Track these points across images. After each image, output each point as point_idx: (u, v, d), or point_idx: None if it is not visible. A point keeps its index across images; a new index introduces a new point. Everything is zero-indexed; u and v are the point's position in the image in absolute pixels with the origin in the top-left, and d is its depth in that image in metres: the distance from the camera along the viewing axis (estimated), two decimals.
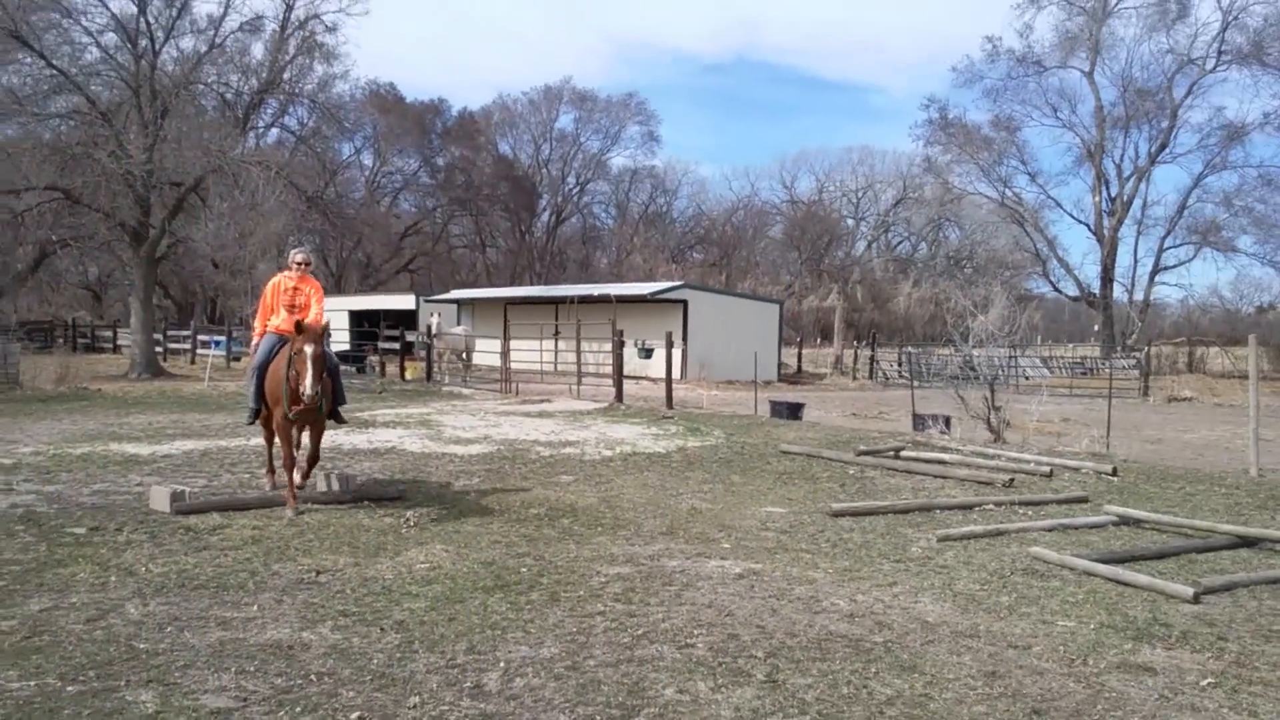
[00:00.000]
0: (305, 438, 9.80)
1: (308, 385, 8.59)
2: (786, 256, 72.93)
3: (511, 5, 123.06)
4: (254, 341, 10.06)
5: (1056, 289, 57.48)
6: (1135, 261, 54.05)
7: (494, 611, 6.21)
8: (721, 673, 5.20)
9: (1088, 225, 54.01)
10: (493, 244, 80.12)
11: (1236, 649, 5.85)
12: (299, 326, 8.83)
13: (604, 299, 34.67)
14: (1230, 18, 47.46)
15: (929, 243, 69.43)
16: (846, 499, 10.77)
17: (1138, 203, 52.67)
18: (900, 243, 74.16)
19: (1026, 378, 39.06)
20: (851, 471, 12.85)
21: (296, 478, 9.45)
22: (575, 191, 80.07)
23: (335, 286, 59.24)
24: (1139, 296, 54.18)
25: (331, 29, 37.07)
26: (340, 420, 10.03)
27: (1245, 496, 11.61)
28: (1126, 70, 51.19)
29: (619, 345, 23.87)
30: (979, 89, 54.17)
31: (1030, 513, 10.24)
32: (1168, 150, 51.35)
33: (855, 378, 43.05)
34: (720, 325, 36.32)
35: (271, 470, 10.51)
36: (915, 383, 24.94)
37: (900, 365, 44.18)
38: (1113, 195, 52.72)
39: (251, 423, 9.97)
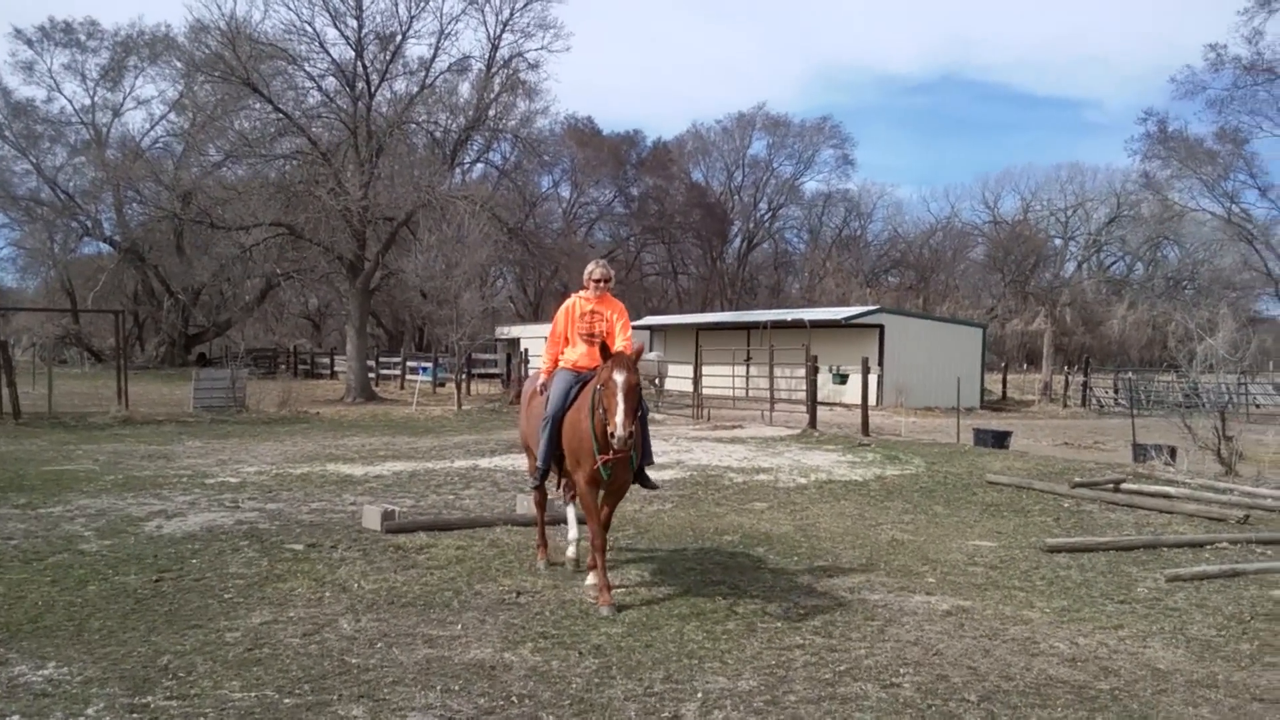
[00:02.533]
0: (605, 508, 7.37)
1: (619, 425, 6.40)
2: (989, 279, 70.20)
3: (711, 32, 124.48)
4: (539, 380, 7.84)
5: None
6: None
7: (690, 640, 6.11)
8: (931, 715, 4.92)
9: None
10: (684, 271, 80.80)
11: None
12: (605, 352, 6.84)
13: (797, 324, 34.25)
14: None
15: (1146, 262, 65.30)
16: (1062, 534, 10.13)
17: None
18: (1114, 263, 70.16)
19: (1258, 406, 36.10)
20: (1066, 505, 12.09)
21: (570, 551, 8.03)
22: (767, 217, 79.85)
23: (533, 315, 61.09)
24: None
25: (534, 66, 38.34)
26: (649, 485, 7.56)
27: None
28: None
29: (813, 370, 23.47)
30: (1201, 100, 50.81)
31: (1270, 552, 9.34)
32: None
33: (1066, 405, 40.77)
34: (918, 350, 35.23)
35: (544, 544, 8.27)
36: (1135, 410, 23.37)
37: (1116, 392, 41.59)
38: None
39: (539, 486, 7.88)
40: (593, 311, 7.65)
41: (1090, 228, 68.07)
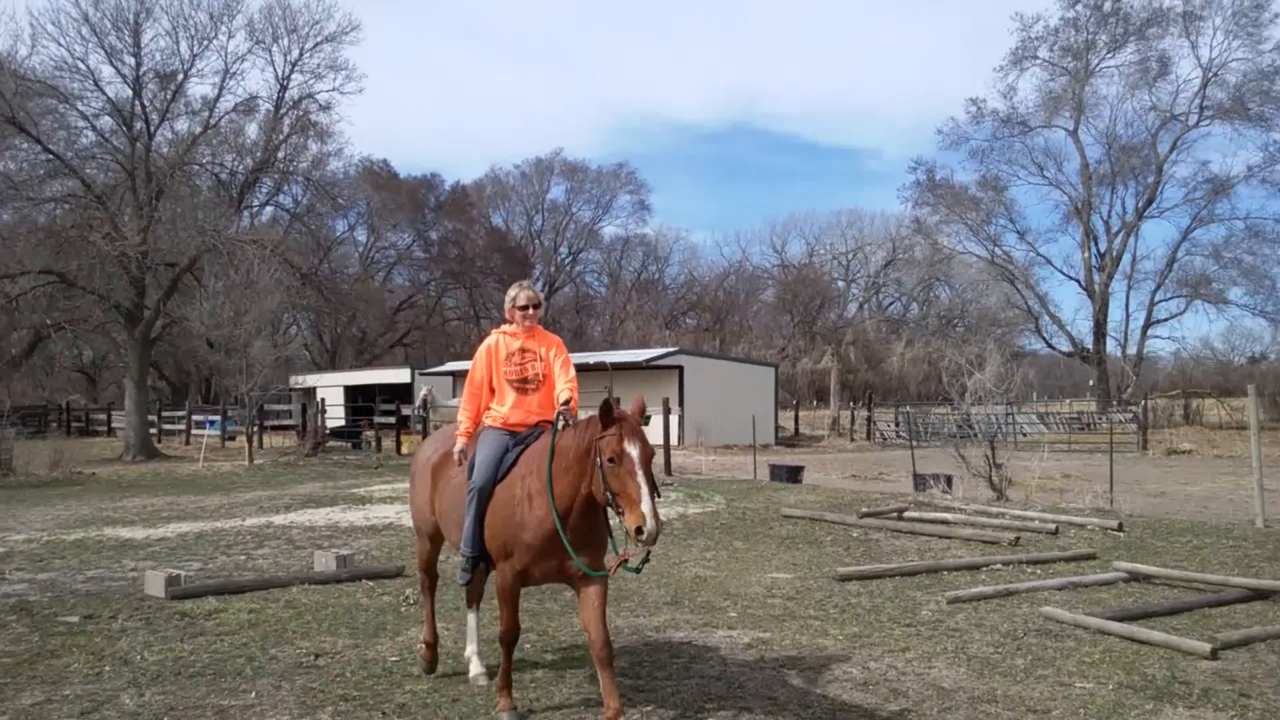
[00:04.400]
0: (587, 616, 5.30)
1: (647, 515, 4.71)
2: (779, 320, 73.06)
3: (507, 77, 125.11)
4: (455, 445, 5.99)
5: (1050, 345, 57.60)
6: (1127, 316, 54.27)
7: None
8: None
9: (1078, 281, 54.34)
10: (487, 315, 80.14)
11: (1261, 706, 5.71)
12: (607, 411, 5.01)
13: (599, 367, 34.64)
14: (1210, 74, 48.34)
15: (920, 303, 69.71)
16: (852, 562, 10.62)
17: (1127, 258, 53.07)
18: (892, 303, 74.43)
19: (1025, 434, 38.96)
20: (855, 534, 12.71)
21: (475, 669, 6.40)
22: (568, 261, 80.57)
23: (330, 363, 59.19)
24: (1132, 350, 54.32)
25: (325, 108, 37.54)
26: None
27: (1254, 548, 11.48)
28: (1111, 128, 51.94)
29: None
30: (965, 150, 54.82)
31: (1039, 571, 10.11)
32: (1154, 205, 51.91)
33: (853, 439, 42.89)
34: (716, 390, 36.26)
35: (432, 644, 6.55)
36: (914, 442, 24.82)
37: (897, 425, 44.09)
38: (1102, 251, 53.13)
39: (468, 582, 5.93)
40: (522, 350, 5.97)
41: (869, 270, 72.04)
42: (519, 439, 5.77)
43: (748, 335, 69.78)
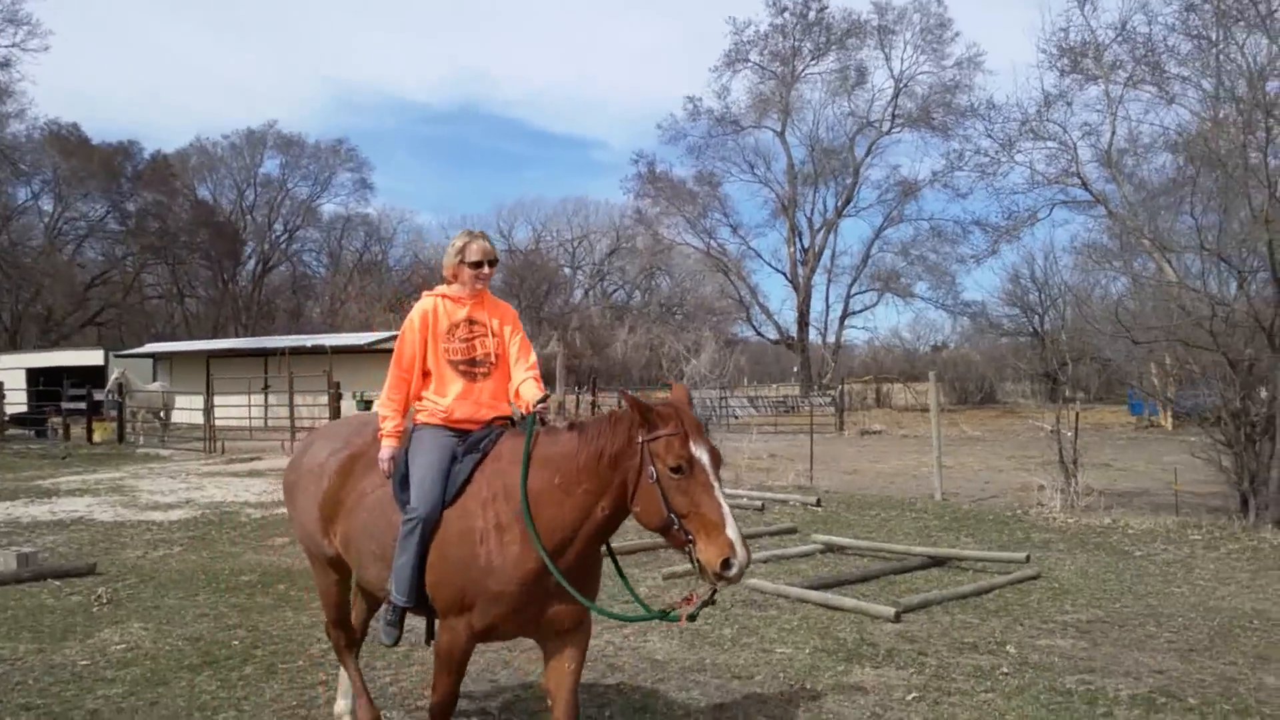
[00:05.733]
0: (561, 671, 4.20)
1: (737, 546, 3.66)
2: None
3: (218, 44, 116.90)
4: (384, 451, 4.50)
5: (759, 333, 60.94)
6: (827, 307, 58.27)
7: (203, 691, 5.74)
8: None
9: (784, 274, 57.80)
10: (192, 294, 75.20)
11: (935, 663, 6.34)
12: (643, 411, 3.88)
13: (318, 350, 33.35)
14: (901, 85, 52.64)
15: (643, 291, 71.85)
16: None
17: (827, 253, 56.99)
18: (615, 291, 76.26)
19: (736, 417, 41.08)
20: None
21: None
22: (283, 239, 76.79)
23: (11, 343, 53.51)
24: (831, 339, 58.50)
25: (4, 65, 33.83)
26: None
27: (933, 520, 12.71)
28: (814, 131, 55.52)
29: (335, 398, 23.00)
30: (683, 146, 56.91)
31: (750, 546, 10.71)
32: (852, 205, 55.99)
33: None
34: None
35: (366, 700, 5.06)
36: None
37: (621, 408, 45.20)
38: (805, 246, 56.77)
39: (395, 641, 4.41)
40: (469, 321, 4.58)
41: (594, 258, 73.50)
42: (474, 444, 4.35)
43: None
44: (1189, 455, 13.93)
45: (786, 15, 52.83)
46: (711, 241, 58.09)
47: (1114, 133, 15.84)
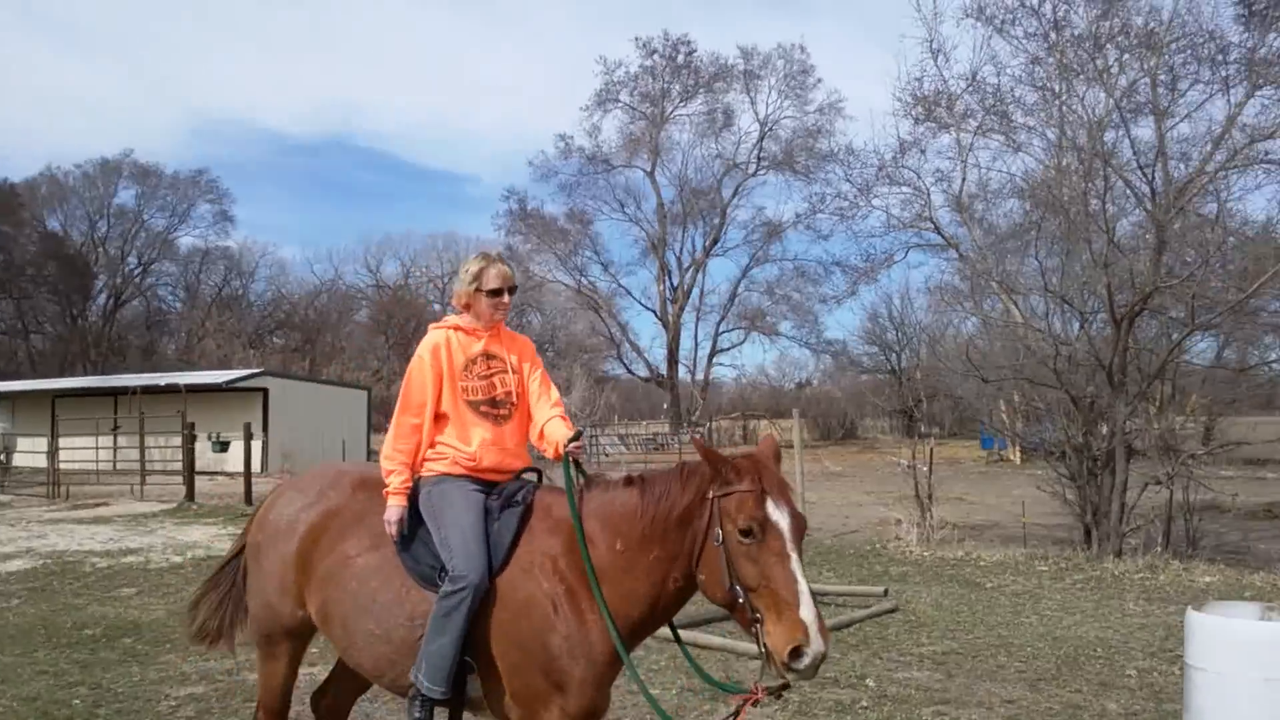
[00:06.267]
0: None
1: (810, 628, 3.03)
2: (374, 341, 71.81)
3: (70, 66, 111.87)
4: (391, 511, 3.83)
5: (629, 370, 61.36)
6: (696, 344, 59.09)
7: None
8: None
9: (654, 312, 58.46)
10: (38, 330, 71.38)
11: (798, 698, 6.46)
12: (716, 462, 3.35)
13: (172, 388, 32.06)
14: (766, 129, 54.13)
15: (514, 327, 71.13)
16: None
17: (696, 292, 57.91)
18: None
19: (607, 454, 41.20)
20: None
21: None
22: (137, 272, 73.69)
23: None
24: (700, 376, 59.33)
25: None
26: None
27: None
28: (683, 171, 56.51)
29: (190, 439, 22.12)
30: (555, 183, 57.17)
31: None
32: (719, 245, 57.09)
33: None
34: (305, 414, 34.82)
35: None
36: None
37: None
38: (675, 285, 57.58)
39: None
40: (486, 356, 4.05)
41: None
42: (506, 496, 3.80)
43: (340, 356, 67.90)
44: (1036, 489, 14.60)
45: (656, 58, 53.87)
46: (583, 279, 58.39)
47: (964, 179, 16.65)
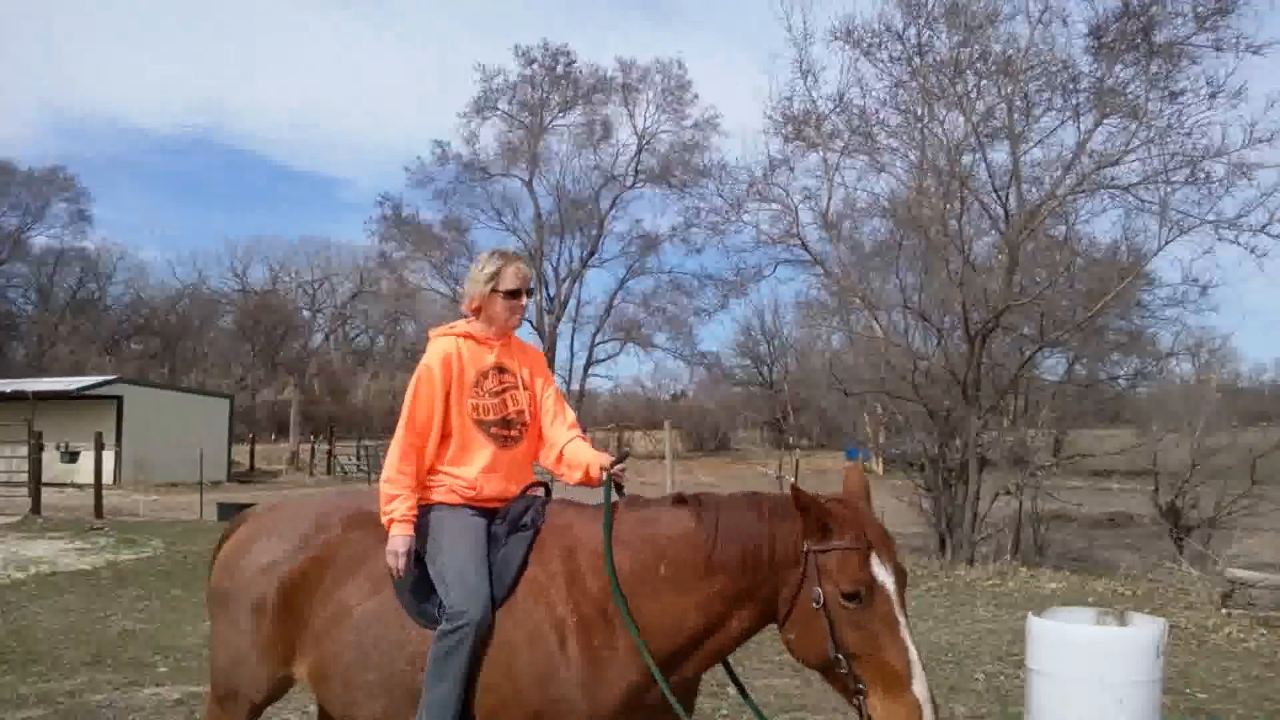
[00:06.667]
0: None
1: (924, 706, 2.75)
2: (239, 348, 69.56)
3: None
4: (397, 544, 3.35)
5: None
6: (572, 355, 58.91)
7: None
8: None
9: (531, 322, 58.23)
10: None
11: None
12: (818, 514, 2.94)
13: (18, 395, 30.44)
14: (644, 142, 54.47)
15: (387, 336, 70.32)
16: None
17: (573, 303, 57.83)
18: (359, 335, 74.24)
19: None
20: None
21: None
22: None
23: None
24: (576, 387, 59.30)
25: None
26: None
27: None
28: (561, 182, 56.33)
29: (37, 449, 21.02)
30: (431, 190, 56.26)
31: None
32: (596, 256, 57.13)
33: (312, 473, 41.97)
34: (161, 423, 33.47)
35: None
36: (373, 476, 24.86)
37: (359, 458, 43.96)
38: (552, 295, 57.45)
39: None
40: (498, 369, 3.64)
41: (336, 301, 71.29)
42: (511, 518, 3.44)
43: (202, 363, 65.65)
44: (895, 499, 15.09)
45: (535, 67, 53.70)
46: (458, 287, 57.72)
47: (830, 197, 17.10)
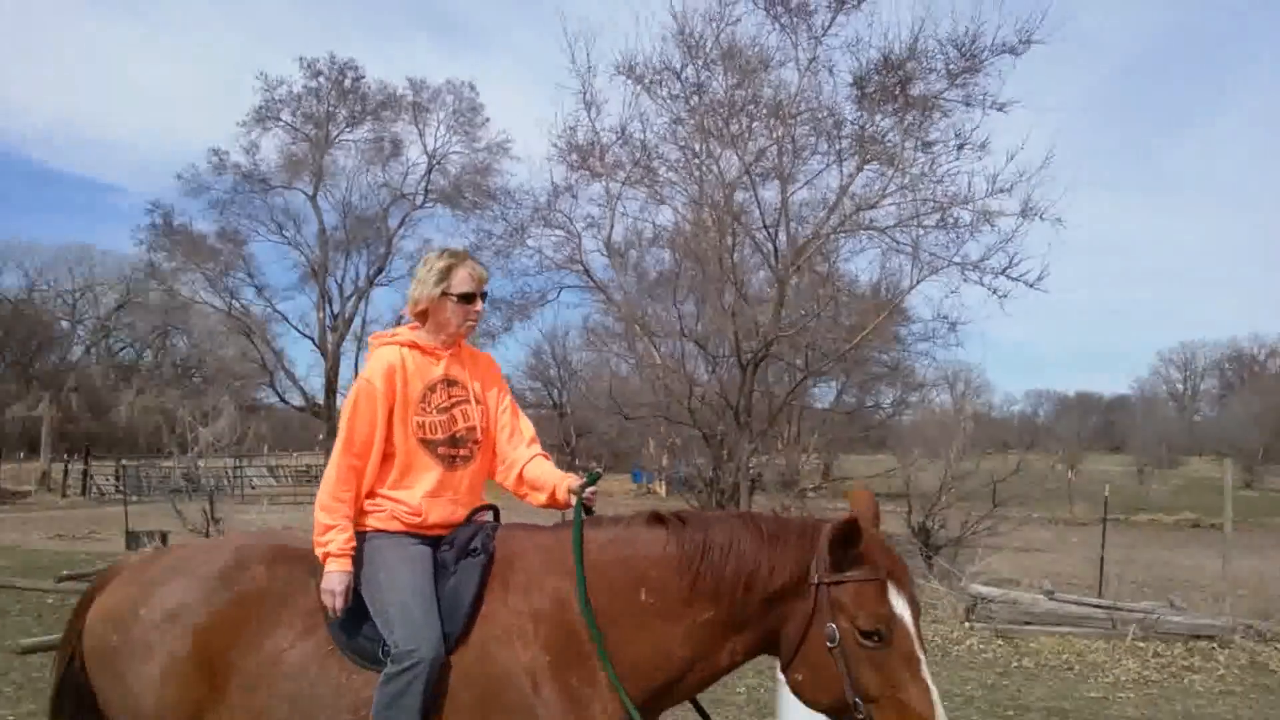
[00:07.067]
0: None
1: None
2: None
3: None
4: (333, 580, 3.00)
5: (283, 399, 58.60)
6: (356, 374, 57.65)
7: None
8: None
9: (313, 339, 56.34)
10: None
11: None
12: (842, 538, 2.70)
13: None
14: (435, 161, 53.95)
15: (155, 350, 66.30)
16: (42, 632, 9.72)
17: (358, 320, 56.42)
18: (124, 349, 69.56)
19: (254, 486, 39.14)
20: (51, 600, 11.65)
21: None
22: None
23: None
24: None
25: None
26: None
27: None
28: (347, 198, 54.87)
29: None
30: (205, 199, 53.55)
31: None
32: (384, 274, 56.00)
33: (65, 494, 39.10)
34: None
35: None
36: (132, 497, 23.42)
37: (119, 479, 41.31)
38: (336, 313, 55.85)
39: None
40: (447, 382, 3.28)
41: (100, 312, 66.70)
42: (460, 545, 3.10)
43: None
44: None
45: (321, 79, 52.29)
46: (235, 302, 55.13)
47: (613, 226, 17.54)
